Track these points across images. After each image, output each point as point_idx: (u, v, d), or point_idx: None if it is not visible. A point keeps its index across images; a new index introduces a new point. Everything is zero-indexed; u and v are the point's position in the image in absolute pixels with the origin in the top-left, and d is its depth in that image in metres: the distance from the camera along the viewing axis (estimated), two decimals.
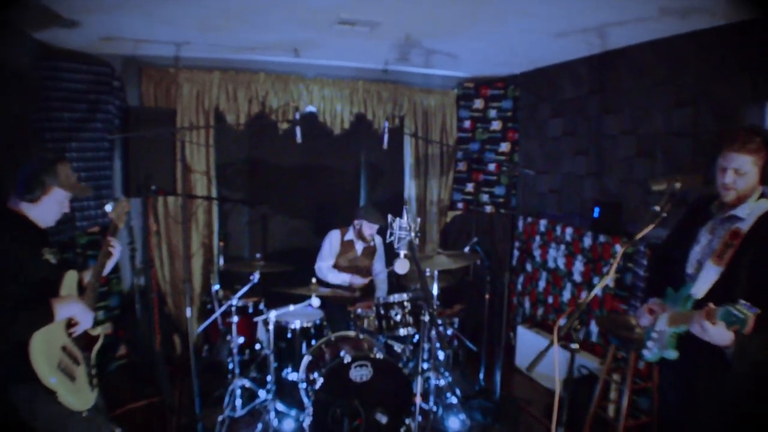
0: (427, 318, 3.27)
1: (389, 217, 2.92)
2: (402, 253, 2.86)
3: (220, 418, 4.03)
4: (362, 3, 3.54)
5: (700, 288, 2.35)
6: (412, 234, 2.84)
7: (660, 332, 2.48)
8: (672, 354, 2.41)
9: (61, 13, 3.64)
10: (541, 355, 2.24)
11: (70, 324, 2.46)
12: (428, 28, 4.14)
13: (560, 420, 2.37)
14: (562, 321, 2.31)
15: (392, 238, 2.88)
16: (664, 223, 2.42)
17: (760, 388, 2.29)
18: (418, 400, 3.16)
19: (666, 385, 2.79)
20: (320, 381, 3.63)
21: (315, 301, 3.74)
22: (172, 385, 4.43)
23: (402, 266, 2.84)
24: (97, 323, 2.64)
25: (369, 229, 4.89)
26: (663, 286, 2.62)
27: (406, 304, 4.13)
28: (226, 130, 5.40)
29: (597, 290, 2.32)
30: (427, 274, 4.08)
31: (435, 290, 4.09)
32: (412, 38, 4.45)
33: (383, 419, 3.65)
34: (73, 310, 2.42)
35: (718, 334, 2.12)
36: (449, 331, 4.69)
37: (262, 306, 4.58)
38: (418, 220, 3.09)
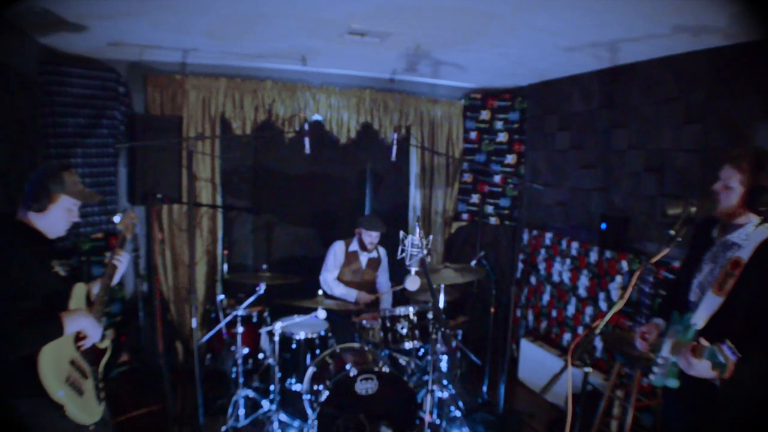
0: (436, 336, 3.23)
1: (401, 233, 2.89)
2: (413, 269, 2.84)
3: (223, 429, 4.02)
4: (374, 14, 3.52)
5: (701, 317, 2.33)
6: (425, 251, 2.82)
7: (664, 359, 2.46)
8: (673, 383, 2.41)
9: (67, 18, 3.60)
10: (555, 378, 2.23)
11: (78, 338, 2.44)
12: (438, 39, 4.12)
13: None
14: (575, 345, 2.29)
15: (404, 255, 2.86)
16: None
17: (752, 413, 2.29)
18: (427, 418, 3.13)
19: (669, 408, 2.76)
20: (326, 393, 3.62)
21: (321, 313, 3.72)
22: (174, 394, 4.40)
23: (413, 283, 2.82)
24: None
25: (368, 236, 4.87)
26: (671, 309, 2.60)
27: (412, 317, 4.11)
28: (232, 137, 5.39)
29: (610, 314, 2.29)
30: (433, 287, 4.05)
31: (441, 303, 4.06)
32: (421, 49, 4.44)
33: None
34: (83, 324, 2.39)
35: (703, 368, 2.18)
36: (453, 343, 4.66)
37: (266, 315, 4.56)
38: (431, 237, 3.05)
